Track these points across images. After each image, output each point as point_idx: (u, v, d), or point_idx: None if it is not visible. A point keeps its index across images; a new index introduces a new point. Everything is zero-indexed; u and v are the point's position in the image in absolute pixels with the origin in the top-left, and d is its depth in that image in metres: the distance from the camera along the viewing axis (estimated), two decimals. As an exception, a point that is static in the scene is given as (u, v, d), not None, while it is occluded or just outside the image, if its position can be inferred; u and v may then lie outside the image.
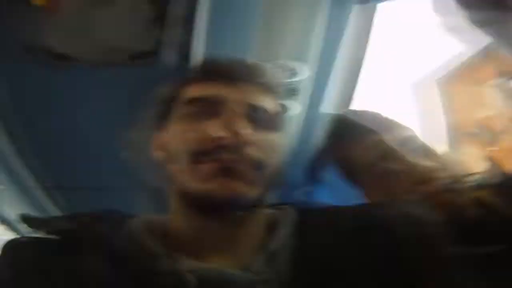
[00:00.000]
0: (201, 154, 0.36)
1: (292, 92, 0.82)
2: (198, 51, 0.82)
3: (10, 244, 0.39)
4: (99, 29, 1.21)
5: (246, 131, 0.36)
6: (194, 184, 0.35)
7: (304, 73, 0.79)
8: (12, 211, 1.89)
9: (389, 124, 0.58)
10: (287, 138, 0.47)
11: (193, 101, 0.40)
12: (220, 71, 0.42)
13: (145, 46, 1.12)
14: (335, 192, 1.26)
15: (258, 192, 0.37)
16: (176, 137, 0.39)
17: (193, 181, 0.36)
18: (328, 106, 0.94)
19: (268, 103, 0.41)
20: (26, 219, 0.46)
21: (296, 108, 0.89)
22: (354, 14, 0.77)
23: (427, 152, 0.55)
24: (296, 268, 0.34)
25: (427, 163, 0.53)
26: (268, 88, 0.43)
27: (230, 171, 0.35)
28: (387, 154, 0.54)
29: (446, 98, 1.19)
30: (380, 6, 0.81)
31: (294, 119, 0.92)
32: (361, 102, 0.97)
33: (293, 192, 1.50)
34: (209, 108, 0.39)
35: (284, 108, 1.05)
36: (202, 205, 0.36)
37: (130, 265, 0.33)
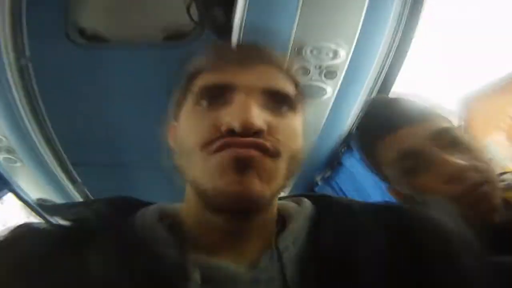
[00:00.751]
0: (210, 144, 0.32)
1: (330, 74, 0.84)
2: (237, 33, 0.82)
3: (21, 228, 0.36)
4: (134, 10, 1.22)
5: (259, 118, 0.32)
6: (205, 181, 0.32)
7: (344, 56, 0.79)
8: (31, 188, 1.91)
9: (424, 113, 0.54)
10: (309, 123, 0.41)
11: (203, 90, 0.36)
12: (231, 56, 0.39)
13: (182, 27, 1.13)
14: (355, 178, 1.28)
15: (275, 188, 0.33)
16: (185, 128, 0.36)
17: (203, 176, 0.32)
18: (364, 90, 0.94)
19: (284, 85, 0.38)
20: (41, 205, 0.46)
21: (331, 90, 0.90)
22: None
23: (462, 146, 0.51)
24: (304, 266, 0.32)
25: (458, 160, 0.48)
26: (284, 70, 0.40)
27: (242, 164, 0.31)
28: (407, 153, 0.51)
29: (465, 116, 1.18)
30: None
31: (327, 101, 0.94)
32: (402, 88, 0.95)
33: (313, 175, 1.53)
34: (220, 97, 0.35)
35: (321, 91, 1.07)
36: (213, 204, 0.33)
37: (139, 256, 0.31)
